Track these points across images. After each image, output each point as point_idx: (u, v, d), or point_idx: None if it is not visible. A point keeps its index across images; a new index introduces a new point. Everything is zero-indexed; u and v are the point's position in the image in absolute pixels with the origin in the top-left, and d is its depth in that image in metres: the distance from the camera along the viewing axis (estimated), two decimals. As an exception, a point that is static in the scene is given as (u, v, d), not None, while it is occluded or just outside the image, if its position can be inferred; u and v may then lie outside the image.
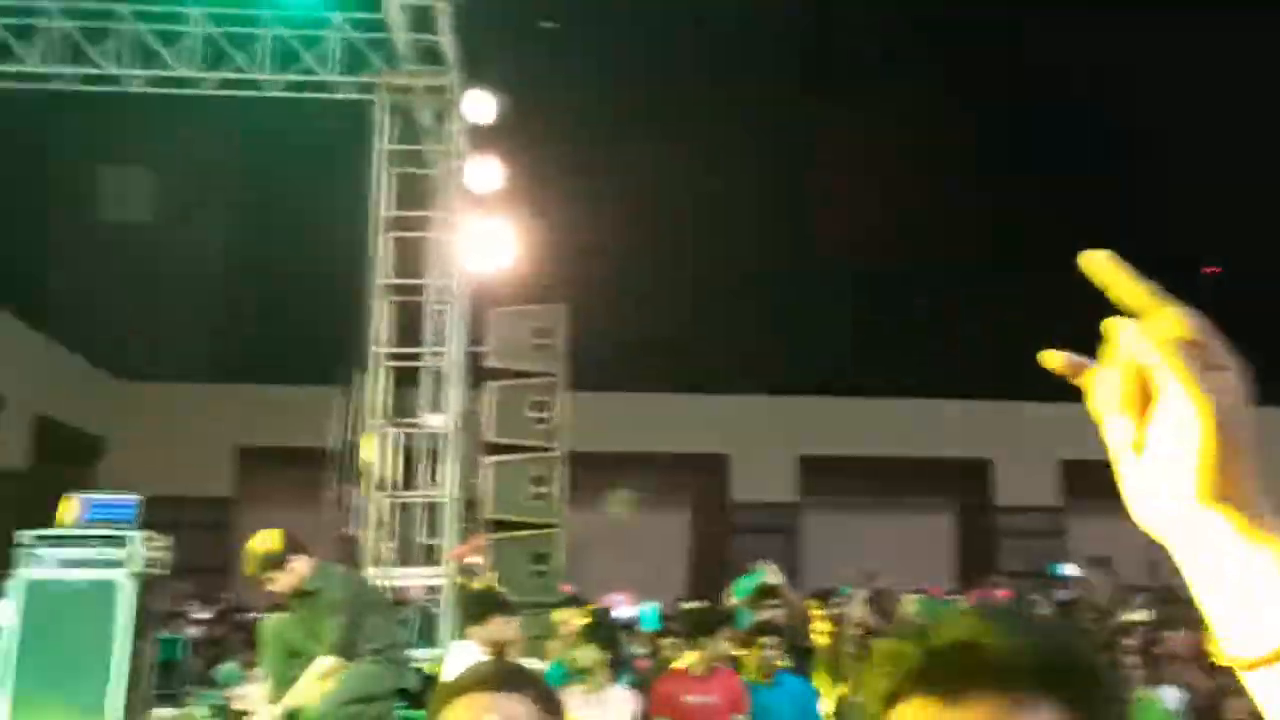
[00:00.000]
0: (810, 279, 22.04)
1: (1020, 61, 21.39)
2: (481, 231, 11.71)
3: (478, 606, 5.59)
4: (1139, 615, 7.85)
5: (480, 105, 11.56)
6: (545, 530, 9.33)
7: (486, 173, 11.64)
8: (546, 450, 9.64)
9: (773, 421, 23.25)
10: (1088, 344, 0.82)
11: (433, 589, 10.65)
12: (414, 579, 10.95)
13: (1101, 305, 0.76)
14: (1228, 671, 0.69)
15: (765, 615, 6.99)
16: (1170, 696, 7.48)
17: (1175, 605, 9.00)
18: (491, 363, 10.28)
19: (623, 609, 12.36)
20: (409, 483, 11.20)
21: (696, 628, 6.08)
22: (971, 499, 24.27)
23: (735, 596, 8.15)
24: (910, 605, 7.13)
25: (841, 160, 19.82)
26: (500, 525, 9.34)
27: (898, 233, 21.81)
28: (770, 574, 7.94)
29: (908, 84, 20.39)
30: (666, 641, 7.65)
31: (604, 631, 6.01)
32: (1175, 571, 0.71)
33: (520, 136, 12.66)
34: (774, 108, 21.83)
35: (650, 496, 21.78)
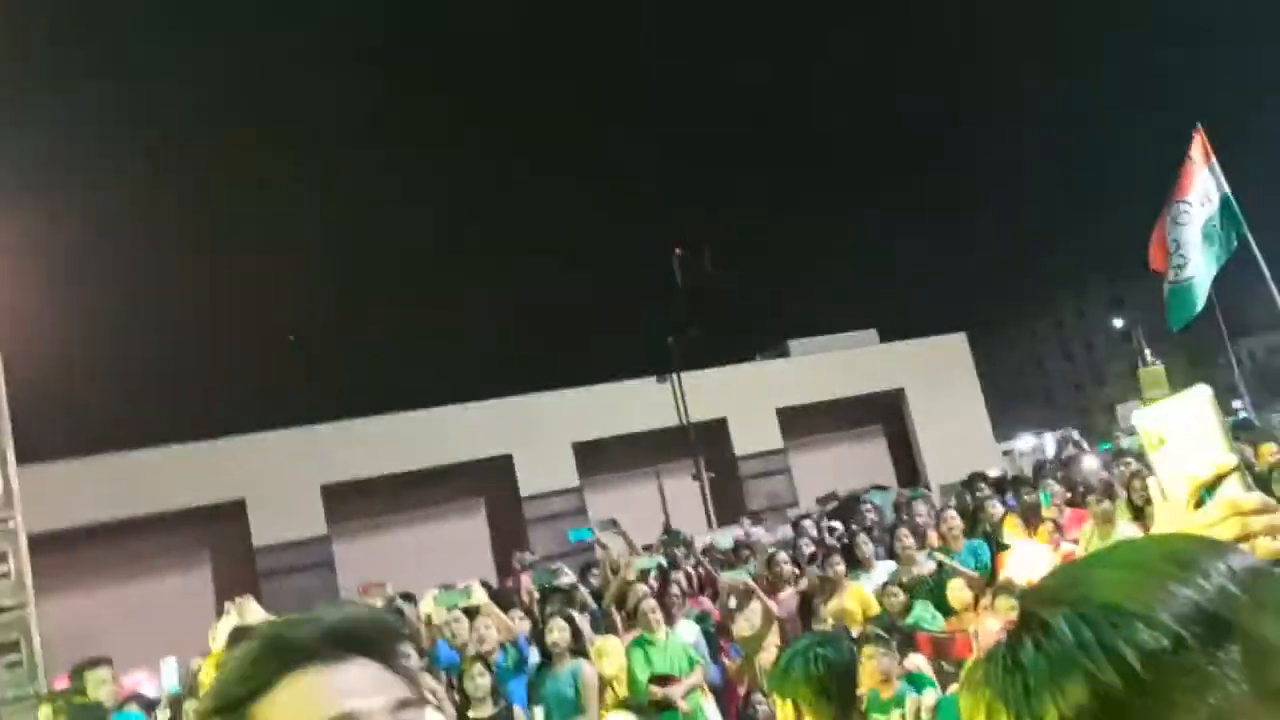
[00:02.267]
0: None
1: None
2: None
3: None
4: (648, 563, 8.59)
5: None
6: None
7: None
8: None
9: (297, 454, 22.49)
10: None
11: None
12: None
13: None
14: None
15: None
16: (688, 629, 8.28)
17: (677, 548, 9.98)
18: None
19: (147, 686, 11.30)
20: None
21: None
22: (499, 493, 25.07)
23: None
24: (429, 602, 7.19)
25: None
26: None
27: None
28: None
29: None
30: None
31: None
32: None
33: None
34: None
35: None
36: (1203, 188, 10.49)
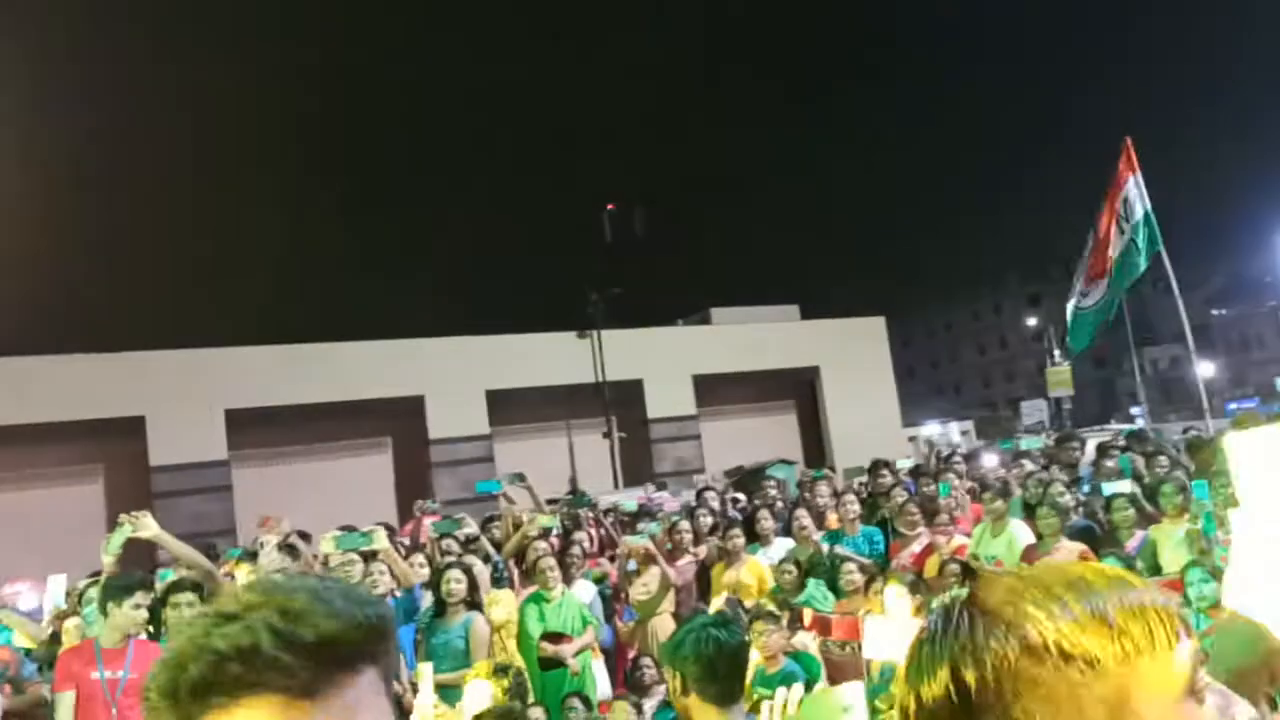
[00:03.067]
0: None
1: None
2: None
3: None
4: (550, 521, 8.61)
5: None
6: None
7: None
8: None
9: (202, 375, 22.01)
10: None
11: None
12: None
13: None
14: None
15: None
16: (584, 589, 8.32)
17: (582, 509, 10.01)
18: None
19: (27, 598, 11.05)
20: None
21: (105, 595, 5.56)
22: (407, 434, 24.84)
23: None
24: (328, 543, 7.09)
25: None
26: None
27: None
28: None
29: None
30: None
31: None
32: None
33: None
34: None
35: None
36: (1129, 200, 10.74)
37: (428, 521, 9.27)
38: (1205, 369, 53.89)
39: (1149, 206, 10.59)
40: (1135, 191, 10.69)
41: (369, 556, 7.46)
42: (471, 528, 9.07)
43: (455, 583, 6.81)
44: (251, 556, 8.18)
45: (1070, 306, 11.34)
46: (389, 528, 9.93)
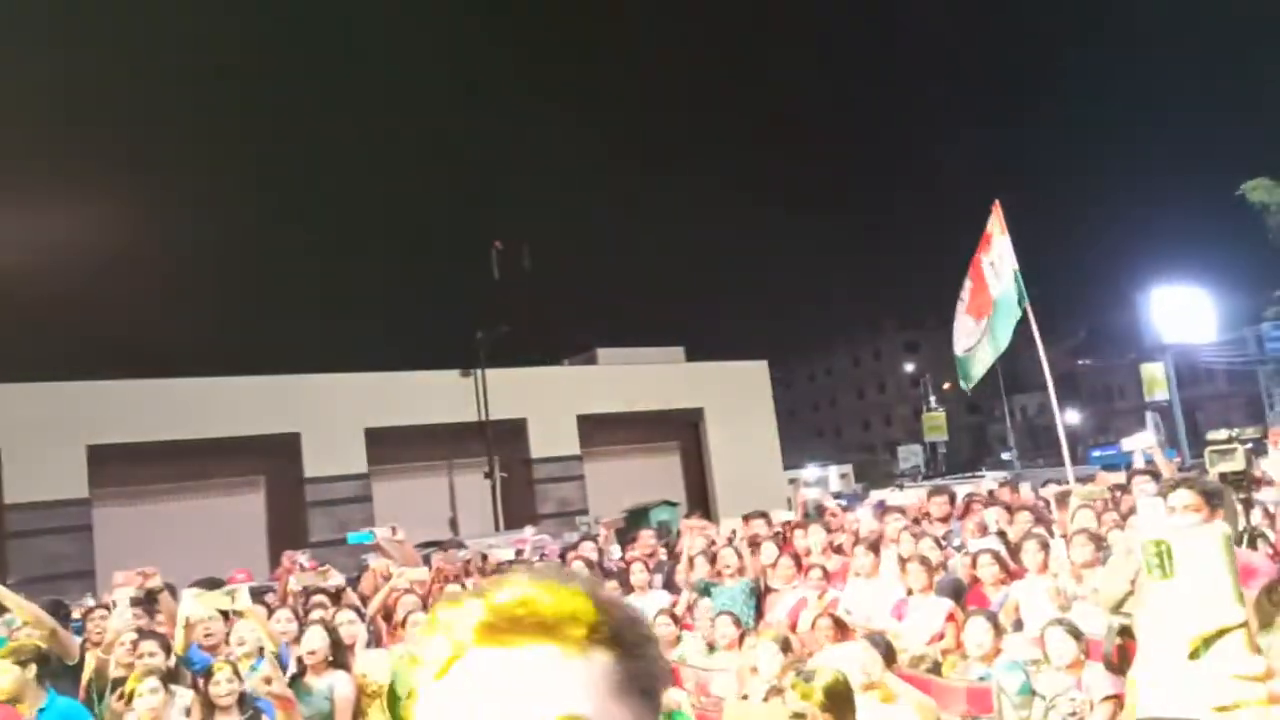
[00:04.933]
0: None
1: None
2: None
3: None
4: (421, 574, 8.39)
5: None
6: None
7: None
8: None
9: (62, 409, 21.01)
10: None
11: None
12: None
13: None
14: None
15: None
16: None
17: (452, 561, 9.81)
18: None
19: None
20: None
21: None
22: (282, 473, 24.12)
23: None
24: (188, 601, 6.78)
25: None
26: None
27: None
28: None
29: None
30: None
31: None
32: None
33: None
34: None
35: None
36: (998, 259, 11.10)
37: (292, 575, 8.93)
38: (1070, 417, 56.17)
39: (1016, 266, 10.97)
40: (1005, 251, 11.06)
41: (233, 615, 7.14)
42: (337, 579, 8.78)
43: (317, 641, 6.56)
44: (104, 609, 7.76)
45: (962, 349, 11.65)
46: (262, 588, 9.56)
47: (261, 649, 6.84)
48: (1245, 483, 5.23)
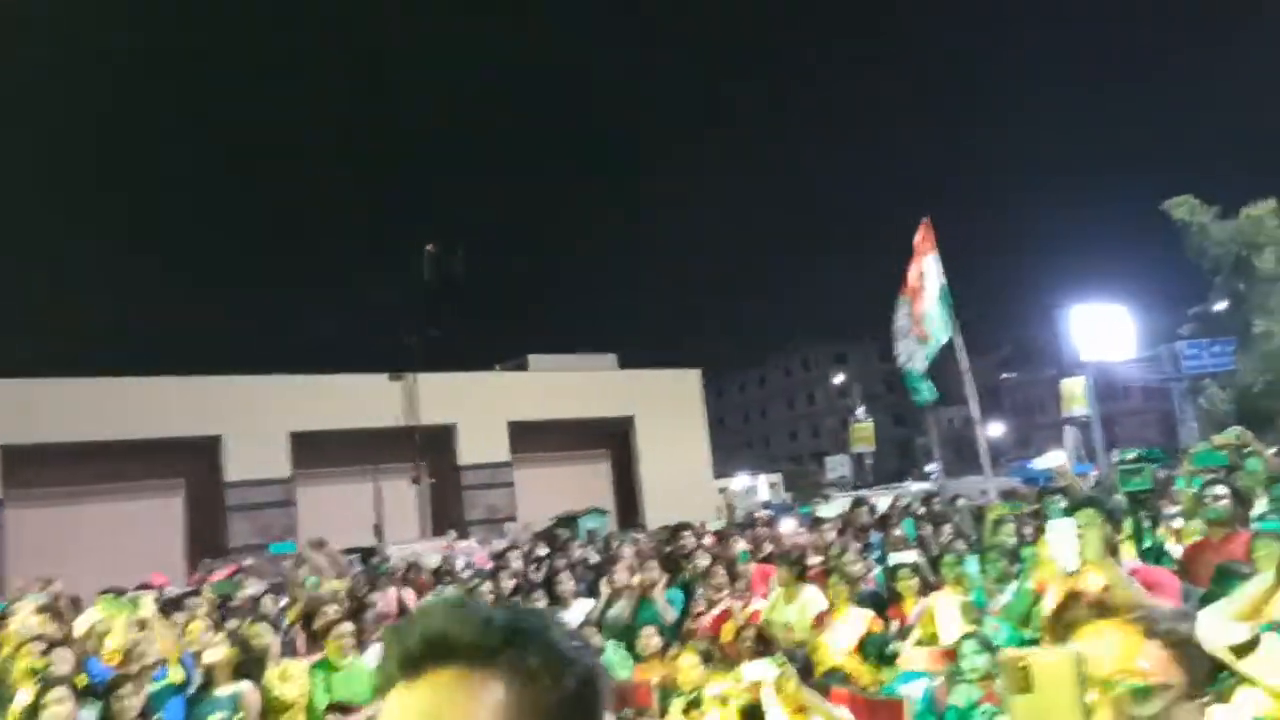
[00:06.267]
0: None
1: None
2: None
3: None
4: (343, 585, 8.28)
5: None
6: None
7: None
8: None
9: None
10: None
11: None
12: None
13: None
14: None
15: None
16: (376, 656, 8.01)
17: (375, 578, 9.71)
18: None
19: None
20: None
21: None
22: (202, 476, 23.64)
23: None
24: (94, 610, 6.62)
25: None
26: None
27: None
28: None
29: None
30: None
31: None
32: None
33: None
34: None
35: None
36: (927, 275, 11.28)
37: (207, 584, 8.74)
38: (994, 430, 57.24)
39: (944, 281, 11.16)
40: (933, 267, 11.25)
41: (140, 624, 6.98)
42: (254, 588, 8.62)
43: (225, 651, 6.44)
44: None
45: (910, 366, 11.72)
46: (179, 596, 9.36)
47: (166, 659, 6.71)
48: (1151, 501, 5.38)
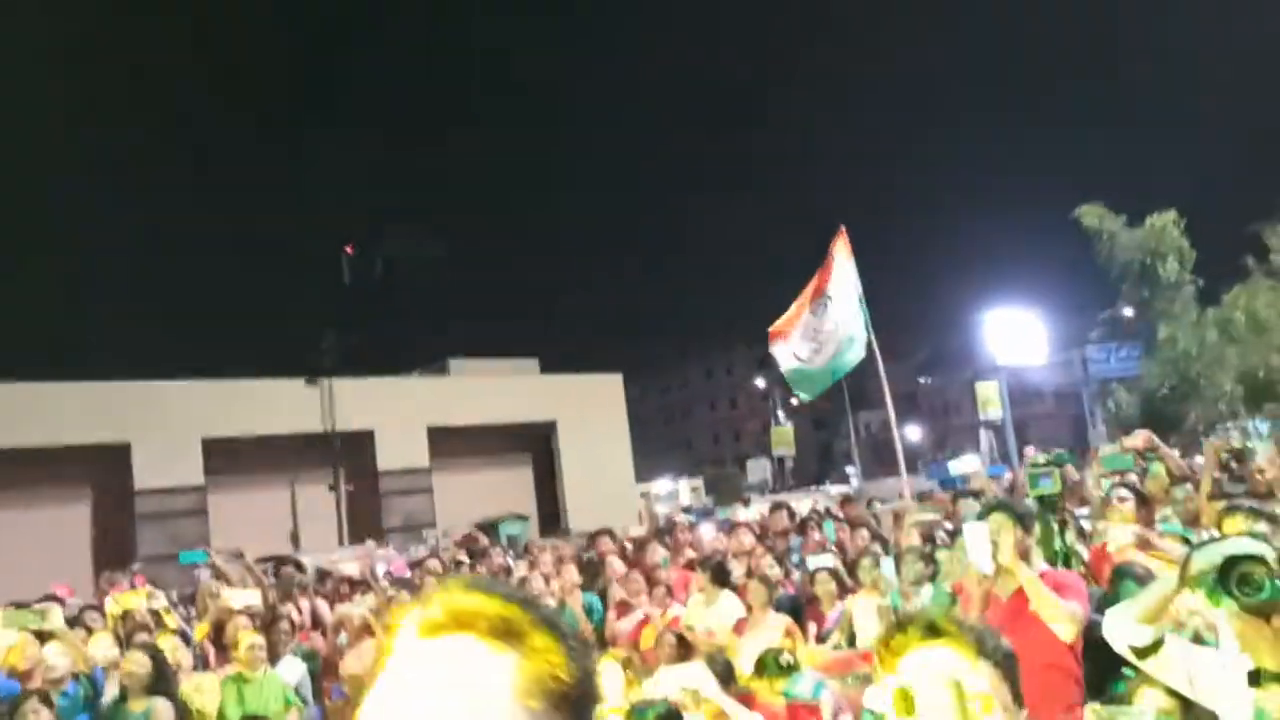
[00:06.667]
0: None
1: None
2: None
3: None
4: (252, 597, 8.09)
5: None
6: None
7: None
8: None
9: None
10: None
11: None
12: None
13: None
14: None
15: None
16: (290, 668, 7.83)
17: (289, 582, 9.50)
18: None
19: None
20: None
21: None
22: (110, 484, 22.96)
23: None
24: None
25: None
26: None
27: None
28: None
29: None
30: None
31: None
32: None
33: None
34: None
35: None
36: (842, 283, 11.39)
37: (110, 596, 8.47)
38: (911, 433, 58.28)
39: (860, 291, 11.29)
40: (851, 276, 11.37)
41: (46, 636, 6.74)
42: (161, 600, 8.38)
43: (136, 665, 6.25)
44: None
45: (792, 364, 11.81)
46: (85, 608, 9.05)
47: (75, 675, 6.49)
48: (1061, 504, 5.51)
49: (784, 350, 11.74)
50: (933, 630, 1.67)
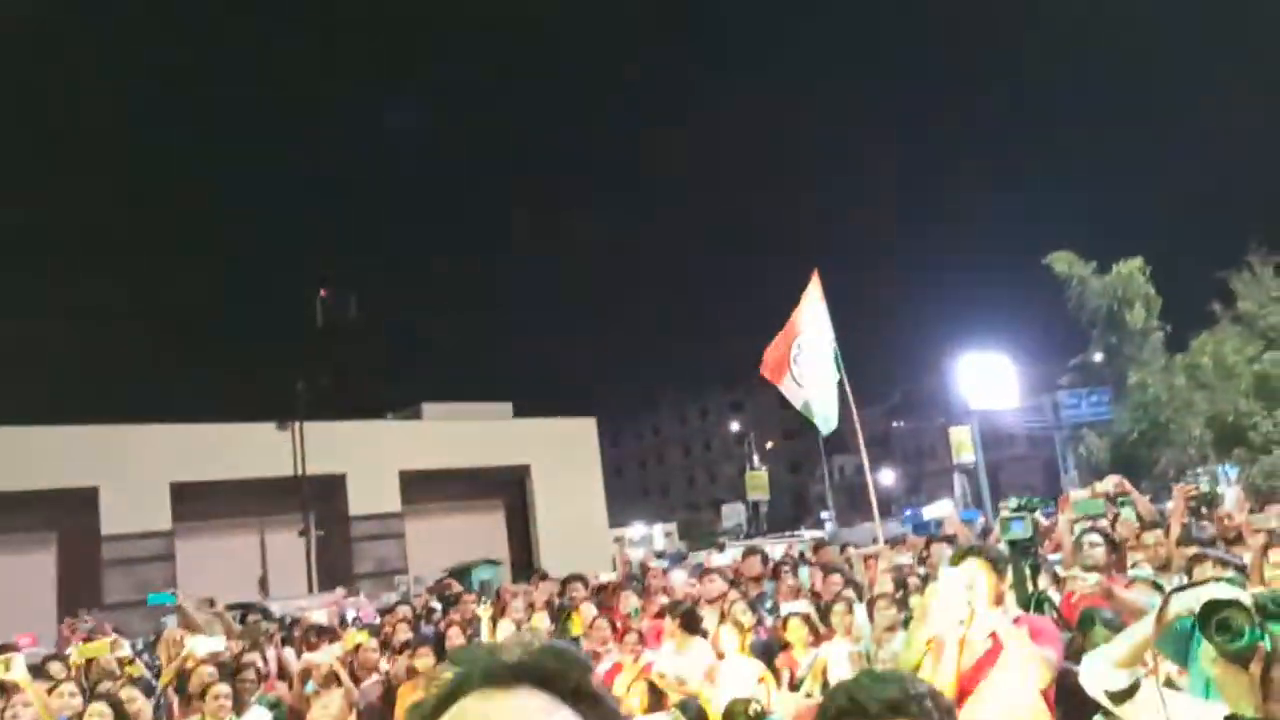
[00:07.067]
0: None
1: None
2: None
3: None
4: (218, 645, 7.96)
5: None
6: None
7: None
8: None
9: None
10: None
11: None
12: None
13: None
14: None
15: None
16: (258, 717, 7.70)
17: (255, 630, 9.37)
18: None
19: None
20: None
21: None
22: (77, 529, 22.62)
23: None
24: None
25: None
26: None
27: None
28: None
29: None
30: None
31: None
32: None
33: None
34: None
35: None
36: (816, 325, 11.43)
37: (74, 645, 8.29)
38: (885, 477, 58.36)
39: (832, 335, 11.32)
40: (823, 318, 11.41)
41: (8, 687, 6.59)
42: (124, 649, 8.22)
43: (99, 717, 6.11)
44: None
45: (800, 397, 11.74)
46: (49, 656, 8.86)
47: (39, 725, 6.34)
48: (1033, 549, 5.51)
49: (790, 388, 11.68)
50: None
